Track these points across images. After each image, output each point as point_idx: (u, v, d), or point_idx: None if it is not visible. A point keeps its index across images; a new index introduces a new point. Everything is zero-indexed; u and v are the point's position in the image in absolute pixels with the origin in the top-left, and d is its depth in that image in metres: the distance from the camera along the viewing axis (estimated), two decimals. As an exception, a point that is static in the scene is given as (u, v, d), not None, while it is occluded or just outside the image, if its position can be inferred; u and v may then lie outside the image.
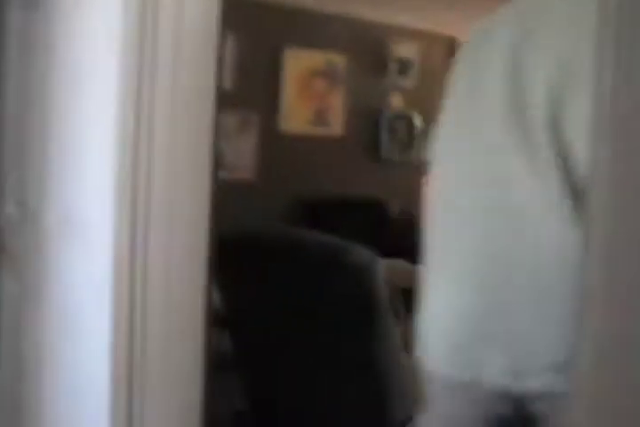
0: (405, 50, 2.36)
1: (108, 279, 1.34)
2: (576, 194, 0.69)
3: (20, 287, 1.60)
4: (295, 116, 2.10)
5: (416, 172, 2.67)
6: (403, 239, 2.49)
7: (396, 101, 2.35)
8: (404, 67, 2.34)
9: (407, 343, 1.87)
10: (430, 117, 2.63)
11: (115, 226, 1.35)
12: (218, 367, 1.48)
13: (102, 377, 1.36)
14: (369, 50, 2.30)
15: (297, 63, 2.10)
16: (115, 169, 1.37)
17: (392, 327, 2.03)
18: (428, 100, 2.54)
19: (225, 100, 1.43)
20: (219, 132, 1.52)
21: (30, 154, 1.55)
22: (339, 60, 2.18)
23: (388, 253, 2.21)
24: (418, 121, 2.38)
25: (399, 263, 2.27)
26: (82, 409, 1.41)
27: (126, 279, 1.33)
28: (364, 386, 1.83)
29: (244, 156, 2.00)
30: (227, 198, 1.55)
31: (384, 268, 2.08)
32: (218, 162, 1.50)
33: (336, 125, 2.19)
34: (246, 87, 1.98)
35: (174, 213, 1.39)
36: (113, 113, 1.34)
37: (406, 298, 2.12)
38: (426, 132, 2.45)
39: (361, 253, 2.02)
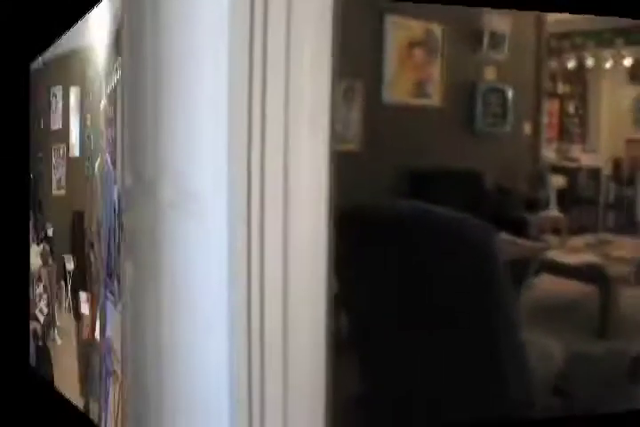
0: (498, 23, 2.36)
1: (224, 256, 1.31)
2: None
3: (136, 266, 1.58)
4: (397, 87, 2.10)
5: (510, 145, 2.64)
6: (500, 211, 2.48)
7: (490, 75, 2.35)
8: (496, 40, 2.34)
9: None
10: (521, 92, 2.60)
11: (229, 200, 1.33)
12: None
13: (220, 358, 1.34)
14: (464, 21, 2.31)
15: (398, 32, 2.10)
16: (228, 142, 1.36)
17: (511, 303, 2.00)
18: (520, 74, 2.55)
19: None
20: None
21: (145, 125, 1.54)
22: (437, 30, 2.18)
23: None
24: (510, 95, 2.38)
25: (502, 235, 2.25)
26: (201, 392, 1.38)
27: (243, 256, 1.30)
28: (482, 367, 1.80)
29: (351, 126, 1.99)
30: (336, 171, 1.54)
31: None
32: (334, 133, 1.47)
33: (435, 97, 2.19)
34: (350, 55, 1.98)
35: (291, 186, 1.36)
36: (225, 87, 1.33)
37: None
38: (518, 106, 2.45)
39: (482, 226, 2.00)
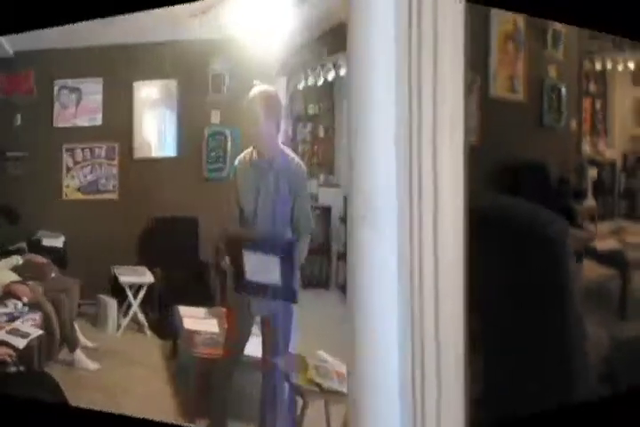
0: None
1: (395, 266, 1.36)
2: None
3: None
4: (498, 81, 2.15)
5: (564, 139, 2.79)
6: (559, 201, 2.64)
7: (552, 72, 2.49)
8: (557, 38, 2.48)
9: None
10: (569, 89, 2.75)
11: (398, 214, 1.37)
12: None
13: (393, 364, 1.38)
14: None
15: (499, 24, 2.13)
16: (395, 160, 1.41)
17: (579, 299, 2.14)
18: (568, 73, 2.71)
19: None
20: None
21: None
22: (521, 23, 2.24)
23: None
24: (564, 92, 2.54)
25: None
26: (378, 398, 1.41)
27: (407, 266, 1.35)
28: (559, 370, 1.91)
29: (471, 121, 2.01)
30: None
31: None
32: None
33: (520, 92, 2.27)
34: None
35: (439, 195, 1.42)
36: (392, 114, 1.36)
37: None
38: (568, 103, 2.62)
39: (557, 218, 2.11)
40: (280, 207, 1.64)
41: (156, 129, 3.76)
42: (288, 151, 1.78)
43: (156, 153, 3.80)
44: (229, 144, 3.44)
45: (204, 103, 3.59)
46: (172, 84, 3.66)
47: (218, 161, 3.51)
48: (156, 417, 2.28)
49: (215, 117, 3.54)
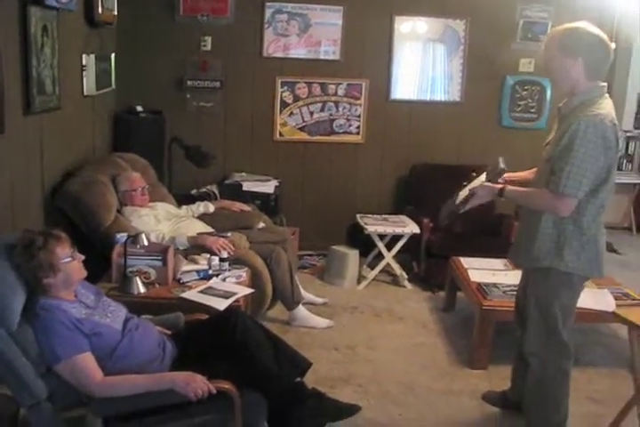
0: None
1: None
2: None
3: None
4: None
5: None
6: None
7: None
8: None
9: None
10: None
11: None
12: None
13: None
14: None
15: None
16: None
17: None
18: None
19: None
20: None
21: None
22: None
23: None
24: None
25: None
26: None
27: None
28: None
29: None
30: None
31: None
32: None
33: None
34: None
35: None
36: None
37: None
38: None
39: None
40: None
41: (419, 69, 3.53)
42: None
43: (420, 95, 3.56)
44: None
45: (507, 49, 3.48)
46: (458, 23, 3.48)
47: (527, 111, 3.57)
48: (414, 368, 2.49)
49: (525, 66, 3.50)
